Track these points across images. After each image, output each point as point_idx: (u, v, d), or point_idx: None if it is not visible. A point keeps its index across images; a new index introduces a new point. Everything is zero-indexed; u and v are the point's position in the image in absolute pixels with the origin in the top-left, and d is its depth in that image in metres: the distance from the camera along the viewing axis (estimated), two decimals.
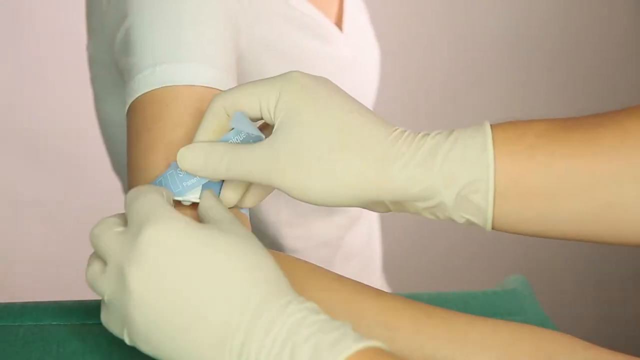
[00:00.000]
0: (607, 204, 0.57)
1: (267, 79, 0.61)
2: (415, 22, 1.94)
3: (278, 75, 0.61)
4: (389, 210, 0.61)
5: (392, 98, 1.88)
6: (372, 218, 1.09)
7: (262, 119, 0.61)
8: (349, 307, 0.60)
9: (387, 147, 0.59)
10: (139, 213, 0.54)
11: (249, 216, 0.66)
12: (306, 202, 0.60)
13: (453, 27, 1.95)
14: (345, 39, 0.95)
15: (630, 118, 0.58)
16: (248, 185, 0.63)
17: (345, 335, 0.49)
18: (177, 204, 0.61)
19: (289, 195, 0.60)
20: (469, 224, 0.60)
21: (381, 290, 0.62)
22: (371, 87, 1.04)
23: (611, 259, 2.02)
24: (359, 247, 1.06)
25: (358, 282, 0.63)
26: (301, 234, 0.97)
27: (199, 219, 0.60)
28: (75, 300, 0.69)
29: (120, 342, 0.55)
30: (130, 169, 0.66)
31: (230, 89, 0.61)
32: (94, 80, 0.92)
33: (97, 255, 0.56)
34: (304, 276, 0.61)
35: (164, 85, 0.66)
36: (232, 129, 0.61)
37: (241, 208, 0.64)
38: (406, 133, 0.60)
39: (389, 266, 1.27)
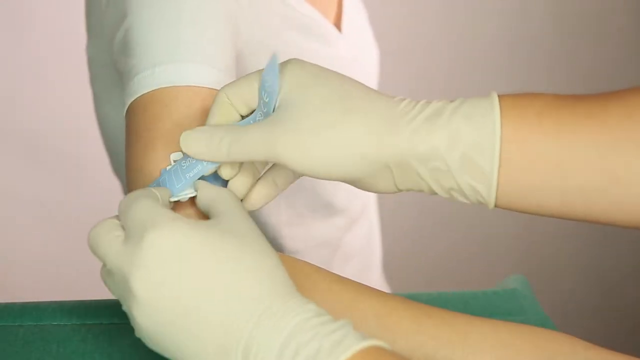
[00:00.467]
0: (614, 177, 0.56)
1: (261, 70, 0.60)
2: (414, 22, 1.94)
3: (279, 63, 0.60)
4: (397, 190, 0.60)
5: None
6: (372, 219, 1.09)
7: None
8: (350, 308, 0.60)
9: (391, 107, 0.58)
10: (137, 219, 0.53)
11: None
12: (308, 174, 0.58)
13: (452, 27, 1.95)
14: (344, 39, 0.95)
15: (637, 95, 0.57)
16: (253, 183, 0.62)
17: (347, 335, 0.49)
18: (177, 203, 0.61)
19: (292, 169, 0.58)
20: (473, 194, 0.58)
21: (381, 291, 0.62)
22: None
23: (611, 259, 2.02)
24: (358, 248, 1.06)
25: (358, 282, 0.63)
26: (300, 235, 0.97)
27: (202, 213, 0.59)
28: (75, 300, 0.69)
29: (120, 342, 0.55)
30: (129, 168, 0.66)
31: (234, 80, 0.61)
32: (93, 80, 0.92)
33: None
34: (304, 277, 0.61)
35: (164, 86, 0.66)
36: (251, 113, 0.60)
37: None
38: (408, 99, 0.59)
39: (389, 266, 1.27)
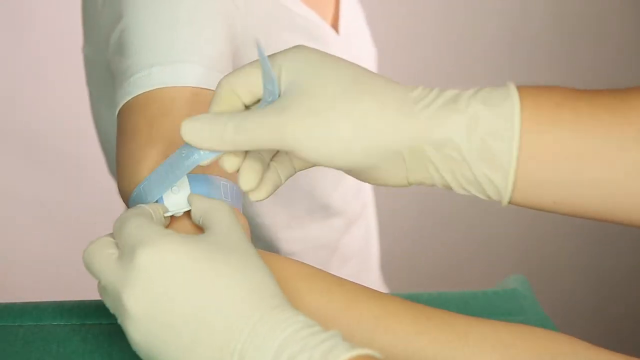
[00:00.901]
0: (632, 171, 0.54)
1: (270, 54, 0.58)
2: (412, 22, 1.94)
3: (279, 52, 0.58)
4: (408, 183, 0.57)
5: None
6: (370, 220, 1.09)
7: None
8: (348, 311, 0.60)
9: (406, 92, 0.56)
10: (129, 237, 0.54)
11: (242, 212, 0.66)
12: (317, 160, 0.56)
13: (451, 28, 1.95)
14: (341, 40, 0.95)
15: None
16: (262, 171, 0.60)
17: (336, 345, 0.49)
18: (173, 217, 0.61)
19: (299, 155, 0.56)
20: (488, 186, 0.56)
21: (380, 292, 0.62)
22: None
23: (611, 259, 2.02)
24: (356, 249, 1.06)
25: (357, 284, 0.63)
26: (297, 237, 0.97)
27: (197, 226, 0.60)
28: (75, 300, 0.69)
29: (120, 342, 0.55)
30: (125, 163, 0.65)
31: (237, 69, 0.59)
32: (90, 81, 0.92)
33: None
34: (302, 279, 0.61)
35: (162, 86, 0.66)
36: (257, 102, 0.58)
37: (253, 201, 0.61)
38: (422, 86, 0.57)
39: (389, 266, 1.27)
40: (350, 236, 1.03)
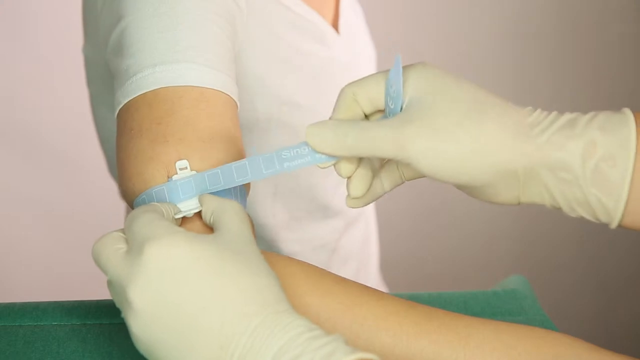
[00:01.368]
0: None
1: (388, 70, 0.60)
2: (412, 22, 1.94)
3: (404, 67, 0.60)
4: (518, 201, 0.59)
5: None
6: (369, 221, 1.09)
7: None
8: (350, 311, 0.60)
9: (525, 115, 0.58)
10: (138, 232, 0.54)
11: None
12: (433, 174, 0.58)
13: (450, 26, 1.95)
14: (341, 40, 0.95)
15: None
16: (371, 172, 0.62)
17: (337, 349, 0.49)
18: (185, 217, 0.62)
19: (417, 168, 0.58)
20: (599, 208, 0.57)
21: (382, 293, 0.62)
22: None
23: (611, 259, 2.02)
24: (355, 250, 1.06)
25: (359, 284, 0.63)
26: (297, 237, 0.97)
27: (207, 226, 0.60)
28: (75, 300, 0.69)
29: (120, 342, 0.55)
30: (131, 161, 0.65)
31: (362, 78, 0.62)
32: (90, 82, 0.92)
33: None
34: (304, 279, 0.61)
35: (168, 85, 0.66)
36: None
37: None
38: (540, 109, 0.59)
39: (389, 267, 1.27)
40: (350, 237, 1.03)
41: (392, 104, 0.59)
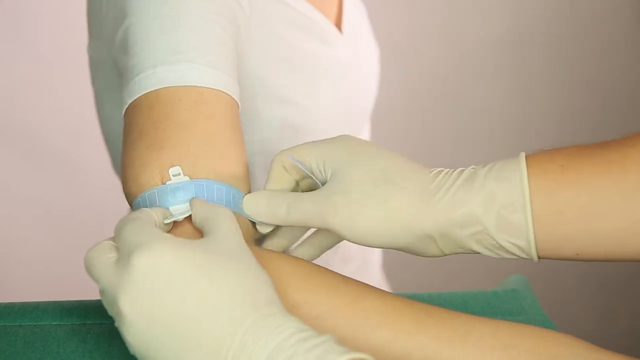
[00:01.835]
0: (639, 218, 0.59)
1: (316, 142, 0.66)
2: (415, 21, 1.94)
3: (327, 139, 0.67)
4: (443, 254, 0.64)
5: (392, 97, 1.88)
6: None
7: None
8: (353, 307, 0.60)
9: (429, 180, 0.63)
10: (127, 240, 0.55)
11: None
12: (357, 241, 0.63)
13: (454, 26, 1.95)
14: (344, 39, 0.95)
15: None
16: (302, 234, 0.69)
17: (329, 350, 0.49)
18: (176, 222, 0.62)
19: (341, 235, 0.63)
20: (517, 252, 0.61)
21: (383, 291, 0.63)
22: (372, 86, 1.04)
23: None
24: (357, 249, 1.06)
25: (361, 282, 0.63)
26: None
27: (198, 230, 0.61)
28: (75, 300, 0.69)
29: (120, 342, 0.55)
30: (130, 165, 0.66)
31: (287, 149, 0.67)
32: (95, 81, 0.92)
33: None
34: (305, 276, 0.62)
35: (168, 86, 0.66)
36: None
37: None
38: (445, 170, 0.63)
39: (390, 266, 1.27)
40: None
41: (316, 179, 0.66)
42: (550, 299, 1.68)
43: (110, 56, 0.81)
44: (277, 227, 0.69)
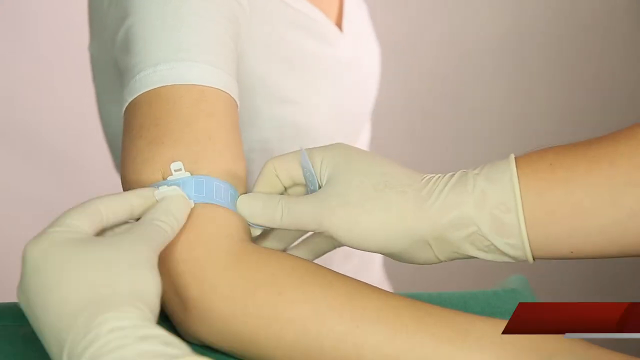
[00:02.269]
0: (631, 212, 0.59)
1: (310, 149, 0.66)
2: (416, 20, 1.94)
3: (321, 147, 0.67)
4: (439, 260, 0.64)
5: (392, 97, 1.88)
6: None
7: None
8: (351, 305, 0.61)
9: (423, 185, 0.63)
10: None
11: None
12: (353, 245, 0.63)
13: (455, 25, 1.95)
14: (345, 39, 0.95)
15: None
16: (296, 238, 0.69)
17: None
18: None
19: (337, 239, 0.63)
20: (511, 252, 0.61)
21: (382, 289, 0.63)
22: (372, 86, 1.04)
23: (611, 259, 2.01)
24: None
25: (359, 280, 0.63)
26: None
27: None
28: None
29: None
30: (129, 163, 0.66)
31: (282, 155, 0.67)
32: (96, 79, 0.92)
33: None
34: (305, 273, 0.62)
35: (169, 84, 0.66)
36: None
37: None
38: (437, 176, 0.63)
39: (390, 266, 1.27)
40: None
41: (311, 185, 0.66)
42: (550, 299, 1.68)
43: (111, 56, 0.81)
44: (270, 230, 0.69)
